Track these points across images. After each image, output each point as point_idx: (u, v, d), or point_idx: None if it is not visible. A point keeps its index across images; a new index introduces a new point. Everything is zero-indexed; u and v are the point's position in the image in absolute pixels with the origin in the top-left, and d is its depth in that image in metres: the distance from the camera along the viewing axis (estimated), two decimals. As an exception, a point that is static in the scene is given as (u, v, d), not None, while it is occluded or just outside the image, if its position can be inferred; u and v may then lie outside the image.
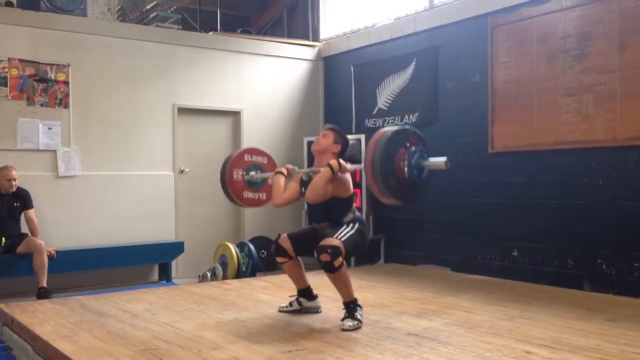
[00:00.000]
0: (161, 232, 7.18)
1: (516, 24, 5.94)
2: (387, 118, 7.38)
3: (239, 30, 8.41)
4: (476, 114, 6.31)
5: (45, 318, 4.33)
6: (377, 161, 3.58)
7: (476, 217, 6.29)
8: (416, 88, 7.03)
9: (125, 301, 4.95)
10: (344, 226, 4.03)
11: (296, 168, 4.41)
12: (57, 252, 6.21)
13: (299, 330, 3.93)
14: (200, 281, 6.85)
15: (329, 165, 3.98)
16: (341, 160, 4.03)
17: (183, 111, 7.46)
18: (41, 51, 6.57)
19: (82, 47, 6.80)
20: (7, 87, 6.39)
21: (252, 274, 6.81)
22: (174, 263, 7.19)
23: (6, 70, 6.39)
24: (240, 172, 4.81)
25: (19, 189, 6.19)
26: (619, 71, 5.17)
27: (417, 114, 6.98)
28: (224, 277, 6.77)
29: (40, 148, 6.53)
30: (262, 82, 8.00)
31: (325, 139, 4.19)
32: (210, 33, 8.02)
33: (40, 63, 6.56)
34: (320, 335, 3.81)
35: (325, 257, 3.81)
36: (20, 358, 4.09)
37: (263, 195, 4.87)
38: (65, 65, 6.68)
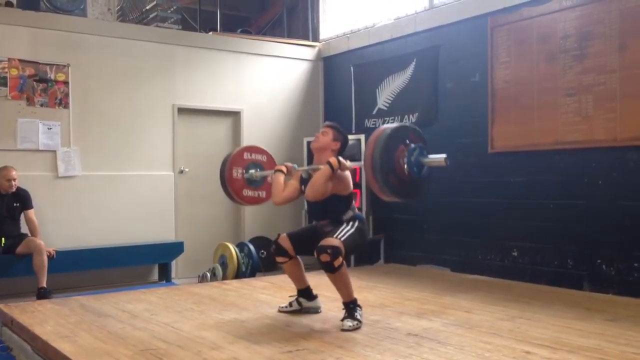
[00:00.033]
0: (161, 232, 7.18)
1: (516, 24, 5.94)
2: (387, 118, 7.38)
3: (239, 31, 8.42)
4: (476, 114, 6.31)
5: (44, 318, 4.33)
6: (377, 158, 3.58)
7: (476, 217, 6.29)
8: (416, 88, 7.02)
9: (125, 301, 4.95)
10: (344, 224, 4.02)
11: (296, 166, 4.41)
12: (57, 252, 6.21)
13: (298, 331, 3.92)
14: (200, 281, 6.85)
15: (329, 163, 3.97)
16: (341, 158, 4.02)
17: (183, 111, 7.46)
18: (41, 51, 6.57)
19: (82, 47, 6.80)
20: (7, 87, 6.39)
21: (252, 274, 6.81)
22: (173, 263, 7.18)
23: (6, 70, 6.39)
24: (240, 170, 4.80)
25: (18, 189, 6.18)
26: (619, 71, 5.17)
27: (417, 114, 6.98)
28: (224, 278, 6.77)
29: (40, 148, 6.53)
30: (262, 82, 8.00)
31: (324, 137, 4.18)
32: (210, 33, 8.02)
33: (40, 63, 6.56)
34: (320, 335, 3.81)
35: (325, 258, 3.81)
36: (20, 358, 4.09)
37: (263, 194, 4.86)
38: (65, 66, 6.68)
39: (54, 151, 6.60)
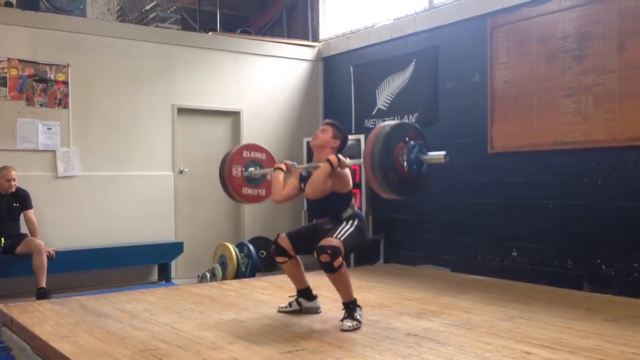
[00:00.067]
0: (160, 232, 7.18)
1: (516, 25, 5.94)
2: (387, 118, 7.37)
3: (239, 31, 8.42)
4: (476, 114, 6.31)
5: (44, 318, 4.33)
6: (377, 156, 3.58)
7: (476, 218, 6.29)
8: (416, 88, 7.03)
9: (124, 301, 4.95)
10: (343, 223, 4.02)
11: (295, 164, 4.40)
12: (57, 252, 6.20)
13: (298, 331, 3.92)
14: (199, 281, 6.84)
15: (328, 161, 3.97)
16: (340, 156, 4.02)
17: (182, 111, 7.46)
18: (41, 51, 6.57)
19: (81, 47, 6.79)
20: (6, 87, 6.39)
21: (252, 274, 6.81)
22: (173, 263, 7.18)
23: (5, 70, 6.38)
24: (239, 169, 4.81)
25: (18, 189, 6.18)
26: (618, 71, 5.17)
27: (416, 114, 6.98)
28: (224, 278, 6.77)
29: (40, 148, 6.53)
30: (262, 83, 8.00)
31: (324, 134, 4.17)
32: (210, 33, 8.02)
33: (39, 63, 6.56)
34: (319, 335, 3.81)
35: (325, 258, 3.81)
36: (20, 358, 4.09)
37: (262, 192, 4.86)
38: (64, 66, 6.68)
39: (54, 151, 6.60)
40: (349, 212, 4.09)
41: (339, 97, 8.13)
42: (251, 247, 7.03)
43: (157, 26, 7.80)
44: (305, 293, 4.43)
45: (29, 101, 6.50)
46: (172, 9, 8.08)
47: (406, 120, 7.05)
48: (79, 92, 6.75)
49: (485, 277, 5.95)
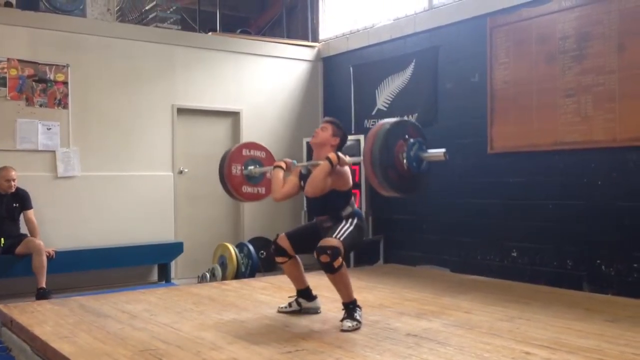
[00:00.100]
0: (160, 232, 7.18)
1: (515, 25, 5.94)
2: (387, 119, 7.37)
3: (238, 31, 8.42)
4: (475, 114, 6.31)
5: (44, 319, 4.33)
6: (376, 153, 3.58)
7: (475, 218, 6.29)
8: (415, 89, 7.03)
9: (124, 302, 4.95)
10: (343, 222, 4.02)
11: (295, 162, 4.40)
12: (56, 252, 6.20)
13: (298, 331, 3.92)
14: (199, 282, 6.85)
15: (328, 159, 3.96)
16: (340, 153, 4.02)
17: (182, 112, 7.46)
18: (40, 51, 6.57)
19: (81, 47, 6.79)
20: (6, 87, 6.39)
21: (252, 274, 6.81)
22: (173, 264, 7.18)
23: (5, 70, 6.38)
24: (239, 167, 4.81)
25: (18, 189, 6.18)
26: (618, 72, 5.17)
27: (416, 114, 6.98)
28: (223, 278, 6.77)
29: (40, 148, 6.53)
30: (262, 83, 8.01)
31: (324, 132, 4.17)
32: (210, 33, 8.02)
33: (39, 63, 6.56)
34: (319, 335, 3.81)
35: (325, 258, 3.81)
36: (19, 358, 4.08)
37: (262, 190, 4.86)
38: (64, 66, 6.68)
39: (53, 151, 6.60)
40: (348, 210, 4.09)
41: (339, 98, 8.13)
42: (251, 247, 7.03)
43: (156, 26, 7.80)
44: (305, 293, 4.43)
45: (29, 101, 6.50)
46: (171, 9, 8.08)
47: (406, 121, 7.07)
48: (78, 93, 6.75)
49: (485, 278, 5.95)
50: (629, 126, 5.10)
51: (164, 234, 7.21)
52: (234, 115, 7.86)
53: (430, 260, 6.77)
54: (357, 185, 6.77)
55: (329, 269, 3.85)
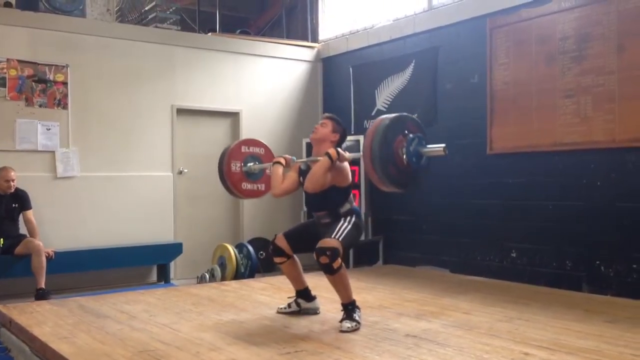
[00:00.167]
0: (160, 233, 7.18)
1: (515, 25, 5.94)
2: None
3: (238, 31, 8.41)
4: (475, 115, 6.31)
5: (43, 319, 4.33)
6: (376, 149, 3.58)
7: (475, 219, 6.29)
8: (415, 89, 7.03)
9: (123, 302, 4.95)
10: (341, 221, 4.01)
11: (294, 158, 4.40)
12: (56, 253, 6.20)
13: (297, 332, 3.92)
14: (198, 282, 6.84)
15: (327, 154, 3.96)
16: (339, 149, 4.02)
17: (182, 112, 7.45)
18: (40, 52, 6.57)
19: (81, 47, 6.79)
20: (5, 87, 6.39)
21: (251, 275, 6.81)
22: (172, 264, 7.18)
23: (5, 70, 6.38)
24: (238, 164, 4.81)
25: (17, 189, 6.18)
26: (618, 72, 5.17)
27: (416, 115, 6.90)
28: (223, 279, 6.77)
29: (39, 149, 6.53)
30: (261, 83, 8.01)
31: (323, 128, 4.16)
32: (209, 34, 8.02)
33: (39, 64, 6.56)
34: (318, 336, 3.81)
35: (324, 260, 3.81)
36: (19, 359, 4.08)
37: (262, 186, 4.87)
38: (64, 66, 6.68)
39: (53, 152, 6.60)
40: (346, 206, 4.08)
41: (338, 98, 8.13)
42: (250, 248, 7.02)
43: (156, 27, 7.79)
44: (304, 294, 4.43)
45: (28, 102, 6.50)
46: (171, 10, 8.07)
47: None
48: (78, 93, 6.75)
49: (485, 278, 5.95)
50: (629, 127, 5.10)
51: (164, 235, 7.21)
52: (234, 116, 7.86)
53: (429, 261, 6.77)
54: (356, 185, 6.77)
55: (329, 270, 3.85)
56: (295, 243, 4.24)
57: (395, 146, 3.63)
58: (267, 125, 7.97)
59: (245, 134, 7.74)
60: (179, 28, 8.05)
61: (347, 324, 3.90)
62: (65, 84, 6.68)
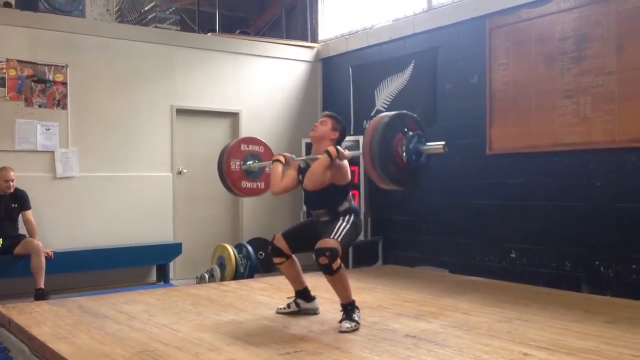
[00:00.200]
0: (159, 233, 7.18)
1: (515, 26, 5.94)
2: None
3: (238, 32, 8.42)
4: (475, 115, 6.31)
5: (42, 319, 4.32)
6: (376, 147, 3.58)
7: (475, 219, 6.29)
8: (415, 90, 7.03)
9: (123, 303, 4.95)
10: (340, 221, 4.01)
11: (294, 156, 4.40)
12: (55, 253, 6.20)
13: (296, 332, 3.92)
14: (198, 283, 6.84)
15: (327, 152, 3.96)
16: (339, 148, 4.02)
17: (182, 112, 7.45)
18: (40, 52, 6.57)
19: (80, 48, 6.79)
20: (5, 88, 6.39)
21: (250, 275, 6.80)
22: (172, 264, 7.18)
23: (4, 71, 6.38)
24: (238, 163, 4.82)
25: (17, 190, 6.18)
26: (617, 73, 5.18)
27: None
28: (222, 279, 6.76)
29: (39, 149, 6.53)
30: (261, 84, 8.01)
31: (323, 126, 4.16)
32: (209, 34, 8.02)
33: (38, 64, 6.56)
34: (318, 337, 3.80)
35: (323, 261, 3.81)
36: (18, 359, 4.09)
37: (261, 185, 4.87)
38: (63, 67, 6.68)
39: (53, 152, 6.60)
40: (346, 205, 4.08)
41: (338, 99, 8.13)
42: (250, 248, 7.02)
43: (156, 27, 7.79)
44: (303, 294, 4.42)
45: (28, 102, 6.50)
46: (171, 10, 8.07)
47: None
48: (78, 93, 6.75)
49: (484, 279, 5.95)
50: (628, 127, 5.10)
51: (163, 235, 7.21)
52: (234, 116, 7.87)
53: (429, 262, 6.77)
54: (356, 186, 6.77)
55: (328, 271, 3.85)
56: (295, 243, 4.24)
57: (395, 144, 3.63)
58: (267, 125, 7.97)
59: (245, 134, 7.71)
60: (179, 28, 8.05)
61: (347, 325, 3.90)
62: (65, 84, 6.68)
